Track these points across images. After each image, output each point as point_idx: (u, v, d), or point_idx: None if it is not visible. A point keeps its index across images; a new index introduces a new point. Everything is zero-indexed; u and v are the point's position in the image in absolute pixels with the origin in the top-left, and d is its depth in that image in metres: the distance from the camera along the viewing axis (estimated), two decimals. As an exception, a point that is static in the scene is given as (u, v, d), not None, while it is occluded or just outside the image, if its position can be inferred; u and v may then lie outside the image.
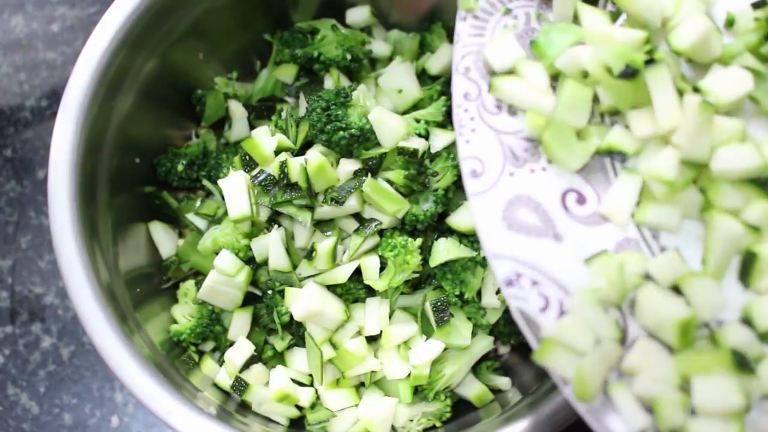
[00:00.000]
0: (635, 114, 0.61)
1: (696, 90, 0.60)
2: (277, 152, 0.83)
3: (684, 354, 0.55)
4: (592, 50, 0.60)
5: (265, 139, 0.83)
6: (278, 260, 0.81)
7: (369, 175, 0.80)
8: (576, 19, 0.66)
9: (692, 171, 0.59)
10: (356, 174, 0.80)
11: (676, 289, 0.58)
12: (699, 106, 0.56)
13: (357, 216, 0.82)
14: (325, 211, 0.80)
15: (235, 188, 0.81)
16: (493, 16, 0.66)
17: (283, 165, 0.79)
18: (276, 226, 0.82)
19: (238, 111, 0.93)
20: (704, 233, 0.61)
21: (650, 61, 0.58)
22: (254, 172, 0.82)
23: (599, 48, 0.60)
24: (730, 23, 0.64)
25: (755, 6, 0.63)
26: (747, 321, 0.56)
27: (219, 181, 0.82)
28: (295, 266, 0.82)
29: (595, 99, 0.63)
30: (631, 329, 0.58)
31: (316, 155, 0.79)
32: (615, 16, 0.65)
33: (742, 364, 0.53)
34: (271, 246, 0.81)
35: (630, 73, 0.58)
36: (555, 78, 0.63)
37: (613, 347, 0.56)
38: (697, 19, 0.60)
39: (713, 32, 0.61)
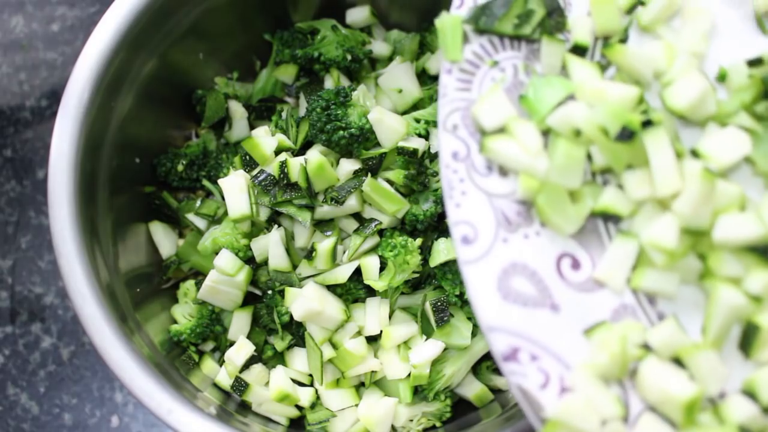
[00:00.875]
0: (631, 175, 0.59)
1: (693, 153, 0.58)
2: (277, 152, 0.83)
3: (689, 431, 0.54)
4: (586, 110, 0.58)
5: (265, 139, 0.83)
6: (278, 260, 0.81)
7: (369, 175, 0.80)
8: (565, 69, 0.64)
9: (692, 238, 0.57)
10: (356, 174, 0.80)
11: (678, 360, 0.57)
12: (701, 173, 0.55)
13: (357, 216, 0.82)
14: (325, 210, 0.80)
15: (235, 188, 0.81)
16: (480, 69, 0.63)
17: (283, 165, 0.80)
18: (276, 226, 0.82)
19: (238, 111, 0.93)
20: (702, 299, 0.59)
21: (647, 123, 0.57)
22: (254, 172, 0.82)
23: (593, 108, 0.58)
24: (722, 78, 0.63)
25: (750, 64, 0.61)
26: (750, 394, 0.55)
27: (219, 181, 0.82)
28: (295, 266, 0.82)
29: (588, 157, 0.61)
30: (632, 403, 0.56)
31: (315, 155, 0.79)
32: (604, 66, 0.64)
33: None
34: (271, 246, 0.81)
35: (627, 136, 0.56)
36: (546, 133, 0.61)
37: (618, 427, 0.54)
38: (694, 78, 0.59)
39: (709, 91, 0.59)
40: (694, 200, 0.55)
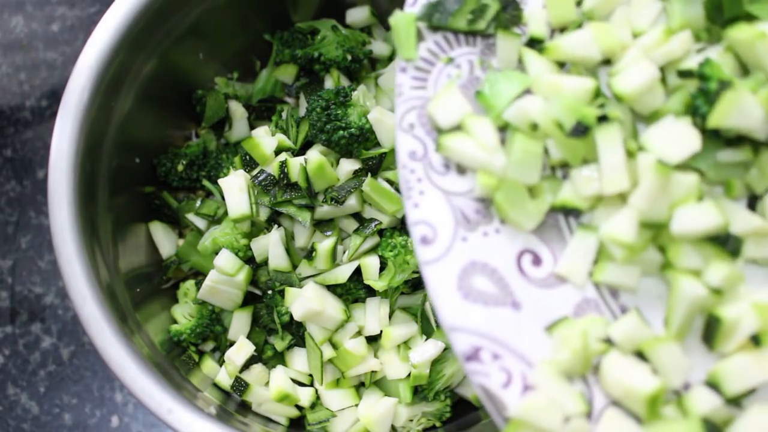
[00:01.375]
0: (579, 171, 0.58)
1: (641, 148, 0.57)
2: (277, 152, 0.83)
3: (653, 425, 0.53)
4: (542, 104, 0.58)
5: (265, 139, 0.83)
6: (278, 260, 0.81)
7: (369, 175, 0.80)
8: (522, 63, 0.63)
9: (651, 231, 0.57)
10: (356, 174, 0.80)
11: (640, 354, 0.56)
12: (655, 166, 0.54)
13: (357, 216, 0.82)
14: (325, 210, 0.80)
15: (234, 188, 0.81)
16: (435, 67, 0.62)
17: (283, 165, 0.80)
18: (276, 226, 0.82)
19: (238, 111, 0.93)
20: (665, 291, 0.58)
21: (603, 118, 0.56)
22: (254, 172, 0.82)
23: (549, 102, 0.57)
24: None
25: (681, 74, 0.59)
26: (713, 385, 0.54)
27: (219, 181, 0.82)
28: (295, 266, 0.82)
29: (545, 151, 0.60)
30: (596, 399, 0.55)
31: (315, 155, 0.79)
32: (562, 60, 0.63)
33: None
34: (271, 246, 0.81)
35: (581, 131, 0.56)
36: (503, 129, 0.61)
37: (581, 424, 0.53)
38: (645, 66, 0.58)
39: (657, 80, 0.58)
40: (650, 193, 0.55)
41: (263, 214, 0.82)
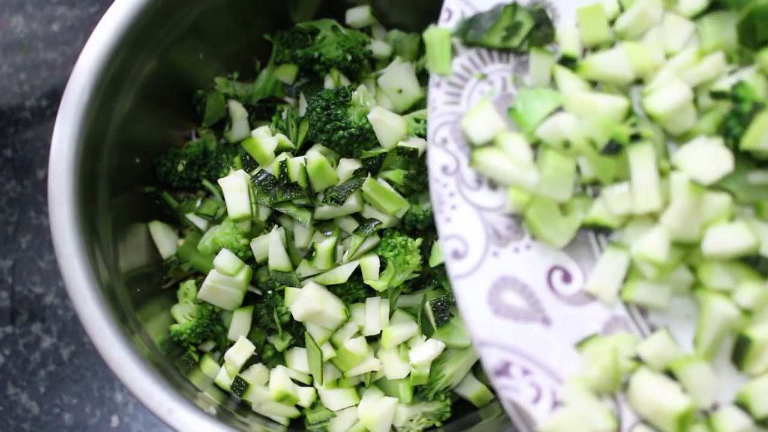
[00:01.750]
0: (611, 190, 0.59)
1: (673, 168, 0.58)
2: (277, 152, 0.83)
3: None
4: (575, 122, 0.58)
5: (265, 139, 0.83)
6: (278, 260, 0.81)
7: (369, 174, 0.80)
8: (554, 81, 0.63)
9: (682, 250, 0.57)
10: (356, 174, 0.80)
11: (670, 373, 0.56)
12: (688, 186, 0.54)
13: (357, 216, 0.82)
14: (325, 210, 0.80)
15: (234, 188, 0.81)
16: (468, 82, 0.63)
17: (283, 165, 0.80)
18: (276, 226, 0.82)
19: (238, 111, 0.93)
20: (694, 311, 0.59)
21: (636, 137, 0.56)
22: (254, 172, 0.82)
23: (582, 120, 0.58)
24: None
25: (713, 96, 0.60)
26: (743, 406, 0.54)
27: (219, 181, 0.82)
28: (295, 266, 0.82)
29: (577, 168, 0.61)
30: (625, 417, 0.56)
31: (315, 155, 0.79)
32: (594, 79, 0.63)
33: None
34: (271, 246, 0.81)
35: (614, 149, 0.56)
36: (535, 146, 0.61)
37: None
38: (677, 86, 0.58)
39: (690, 103, 0.59)
40: (682, 213, 0.55)
41: (263, 214, 0.82)
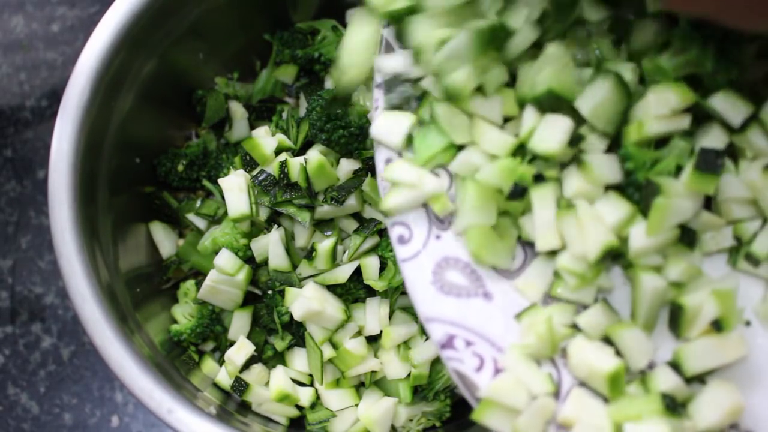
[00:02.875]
0: (525, 221, 0.61)
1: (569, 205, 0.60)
2: (277, 152, 0.83)
3: (616, 402, 0.56)
4: (481, 167, 0.60)
5: (265, 139, 0.83)
6: (278, 260, 0.81)
7: (369, 174, 0.80)
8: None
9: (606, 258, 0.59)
10: (356, 174, 0.80)
11: (607, 339, 0.59)
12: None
13: (357, 216, 0.82)
14: (324, 210, 0.80)
15: (234, 188, 0.81)
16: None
17: (283, 165, 0.80)
18: (276, 226, 0.82)
19: (238, 111, 0.93)
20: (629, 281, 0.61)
21: (539, 177, 0.59)
22: (254, 172, 0.82)
23: (486, 166, 0.60)
24: None
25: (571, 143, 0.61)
26: (675, 365, 0.57)
27: (219, 181, 0.82)
28: (295, 266, 0.82)
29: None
30: (564, 380, 0.58)
31: (315, 155, 0.79)
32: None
33: (672, 407, 0.55)
34: (271, 246, 0.81)
35: (519, 193, 0.58)
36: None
37: (547, 402, 0.56)
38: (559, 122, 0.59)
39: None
40: (578, 248, 0.58)
41: (263, 214, 0.82)
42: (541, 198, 0.59)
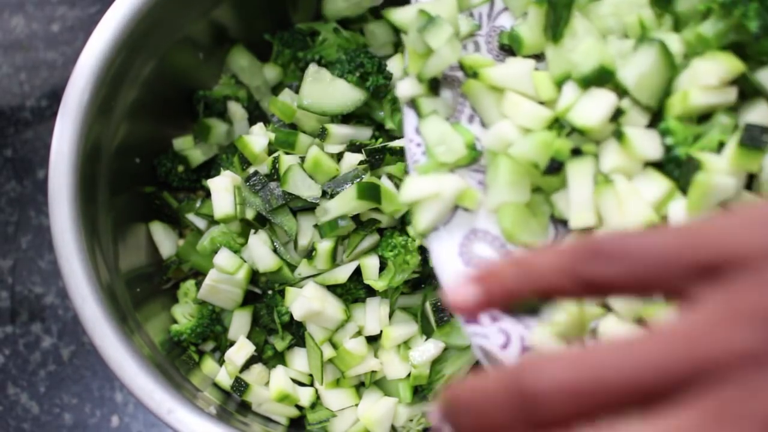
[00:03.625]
0: (559, 197, 0.60)
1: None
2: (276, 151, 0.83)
3: None
4: (515, 141, 0.58)
5: (255, 137, 0.82)
6: (264, 262, 0.80)
7: (371, 168, 0.79)
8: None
9: None
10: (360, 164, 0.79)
11: (641, 321, 0.57)
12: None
13: (356, 218, 0.82)
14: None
15: (221, 188, 0.81)
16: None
17: (275, 161, 0.79)
18: (258, 229, 0.81)
19: (238, 112, 0.93)
20: None
21: (577, 152, 0.57)
22: (250, 172, 0.82)
23: (521, 140, 0.58)
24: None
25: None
26: None
27: (208, 181, 0.82)
28: (290, 264, 0.81)
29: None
30: None
31: (313, 150, 0.79)
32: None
33: None
34: (253, 251, 0.80)
35: (556, 168, 0.57)
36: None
37: None
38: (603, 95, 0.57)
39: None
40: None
41: (249, 214, 0.81)
42: (579, 173, 0.57)
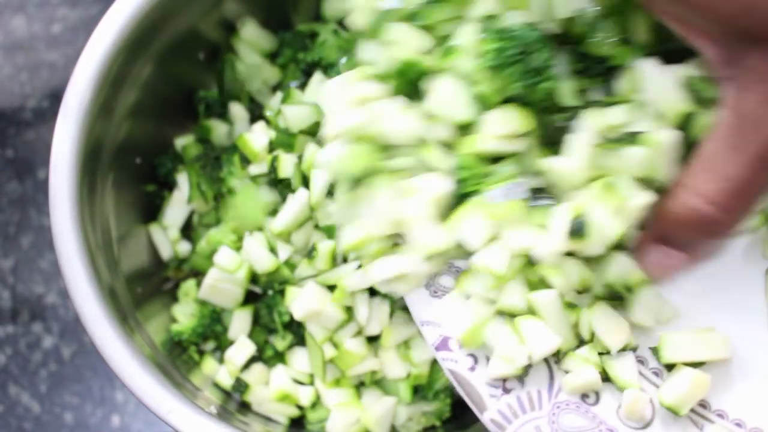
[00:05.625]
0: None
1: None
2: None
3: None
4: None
5: (255, 135, 0.82)
6: (261, 263, 0.80)
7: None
8: None
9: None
10: None
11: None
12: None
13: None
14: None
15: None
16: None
17: (274, 160, 0.79)
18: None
19: (239, 113, 0.93)
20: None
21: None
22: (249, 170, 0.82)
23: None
24: None
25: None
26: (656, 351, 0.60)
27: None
28: (288, 263, 0.82)
29: None
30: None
31: (312, 148, 0.79)
32: None
33: None
34: (250, 252, 0.80)
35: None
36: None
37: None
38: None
39: None
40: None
41: None
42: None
